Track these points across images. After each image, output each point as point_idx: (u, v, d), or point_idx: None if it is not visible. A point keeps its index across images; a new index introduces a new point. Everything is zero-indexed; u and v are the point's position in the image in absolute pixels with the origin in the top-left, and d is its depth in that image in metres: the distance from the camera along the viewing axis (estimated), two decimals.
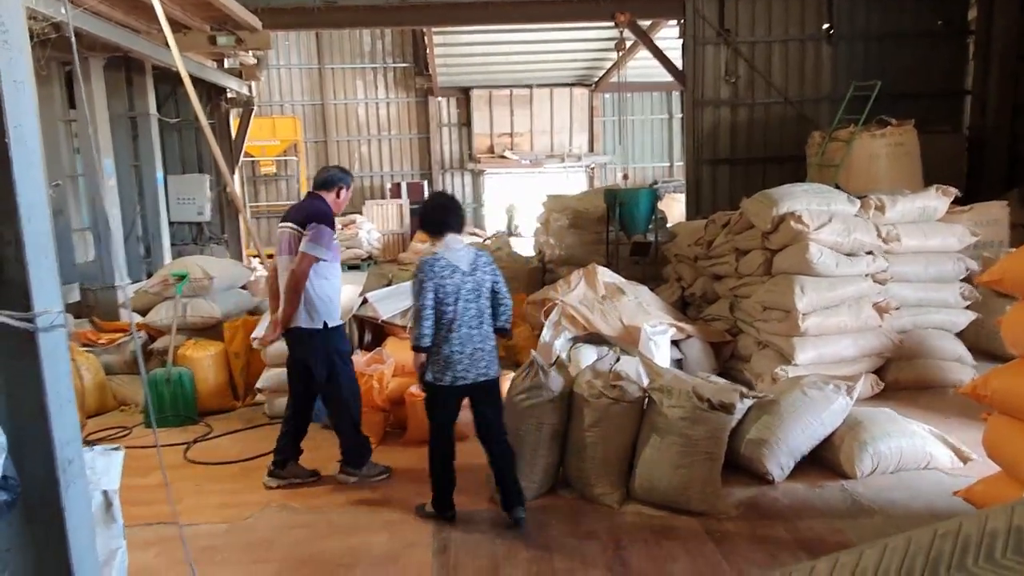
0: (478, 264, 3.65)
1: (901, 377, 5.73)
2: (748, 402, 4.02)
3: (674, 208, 14.57)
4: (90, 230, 9.06)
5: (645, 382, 4.10)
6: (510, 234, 19.24)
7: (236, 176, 11.26)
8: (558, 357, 4.22)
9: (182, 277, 5.88)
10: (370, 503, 4.09)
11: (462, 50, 15.86)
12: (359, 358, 5.00)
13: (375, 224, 17.44)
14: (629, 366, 4.28)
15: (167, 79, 10.79)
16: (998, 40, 10.54)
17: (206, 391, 5.65)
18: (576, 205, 9.28)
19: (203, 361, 5.64)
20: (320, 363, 4.25)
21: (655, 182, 18.72)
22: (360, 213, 17.57)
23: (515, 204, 18.97)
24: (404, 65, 18.95)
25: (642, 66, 17.10)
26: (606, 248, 8.80)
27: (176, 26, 8.65)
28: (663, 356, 5.63)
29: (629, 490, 3.91)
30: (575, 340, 6.01)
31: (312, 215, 4.18)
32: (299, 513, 3.99)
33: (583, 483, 3.94)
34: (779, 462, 4.01)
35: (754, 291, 5.96)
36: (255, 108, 11.58)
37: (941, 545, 2.33)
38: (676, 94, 19.26)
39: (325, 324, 4.22)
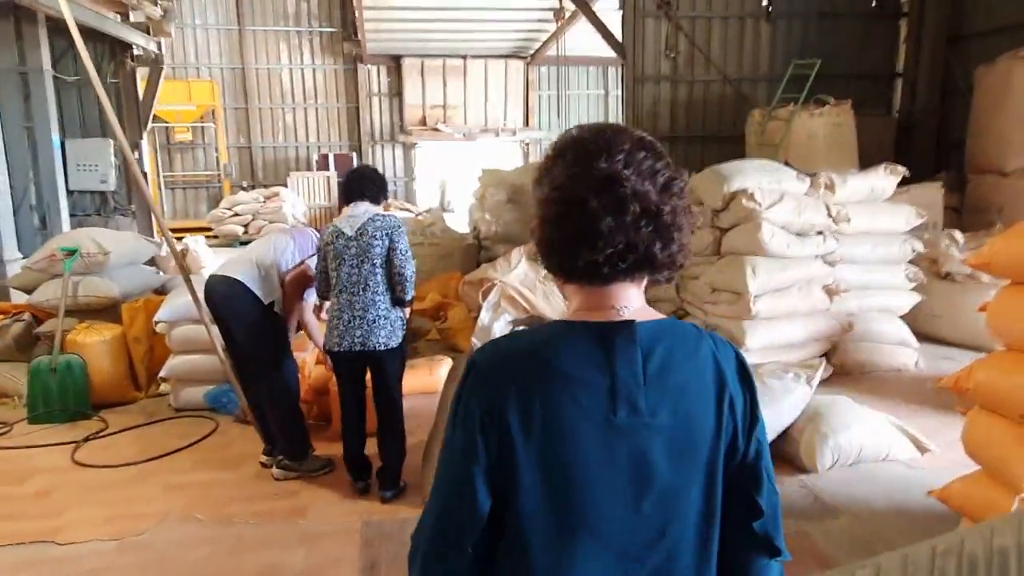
0: (366, 229, 3.48)
1: (847, 361, 5.60)
2: None
3: None
4: None
5: None
6: (443, 209, 18.71)
7: (144, 143, 10.33)
8: None
9: (72, 252, 5.18)
10: (287, 512, 3.60)
11: (393, 15, 15.09)
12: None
13: (301, 197, 16.58)
14: None
15: (65, 32, 9.75)
16: (929, 22, 10.62)
17: (101, 381, 5.00)
18: (513, 180, 8.86)
19: (97, 347, 4.98)
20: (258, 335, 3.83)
21: None
22: (284, 186, 16.67)
23: (447, 179, 18.41)
24: (331, 30, 18.01)
25: (580, 39, 16.77)
26: None
27: None
28: None
29: None
30: (516, 323, 5.62)
31: None
32: (204, 526, 3.46)
33: None
34: None
35: (702, 272, 5.70)
36: (165, 68, 10.61)
37: (944, 565, 2.02)
38: (613, 70, 19.02)
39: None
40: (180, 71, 17.28)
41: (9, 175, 8.95)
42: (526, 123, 19.17)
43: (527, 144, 19.30)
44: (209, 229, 14.63)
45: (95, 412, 4.91)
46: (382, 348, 3.48)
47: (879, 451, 3.90)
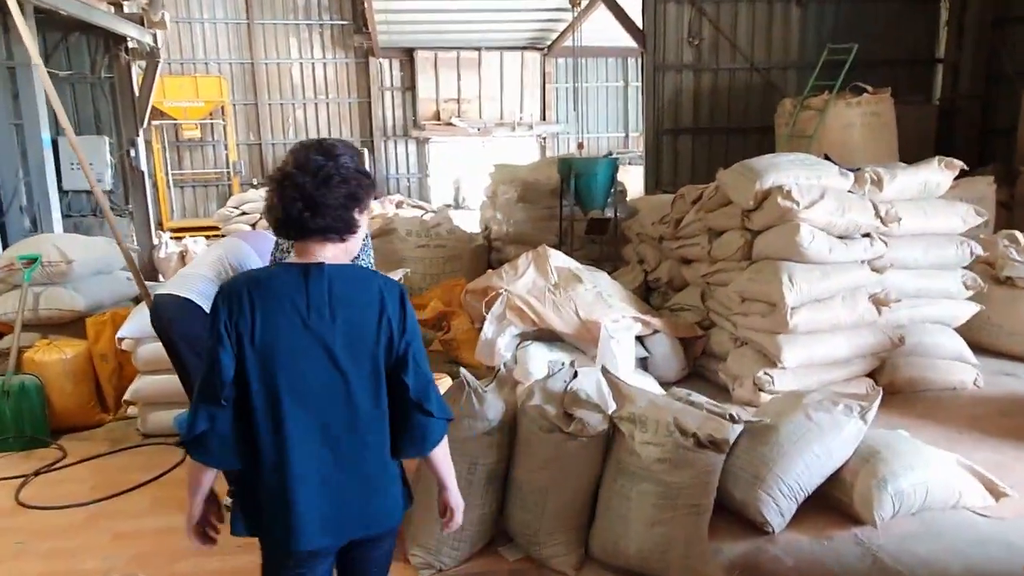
0: None
1: (896, 378, 4.96)
2: (738, 428, 3.14)
3: (629, 180, 13.69)
4: None
5: (611, 406, 3.18)
6: (457, 207, 18.18)
7: (141, 140, 9.87)
8: (497, 372, 3.26)
9: (32, 260, 4.70)
10: (247, 572, 3.07)
11: (405, 5, 14.55)
12: None
13: None
14: (589, 381, 3.34)
15: (55, 25, 9.35)
16: (973, 4, 9.88)
17: (63, 404, 4.52)
18: (526, 176, 8.28)
19: (57, 366, 4.49)
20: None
21: (609, 153, 17.80)
22: None
23: (462, 175, 17.87)
24: (342, 22, 17.49)
25: (598, 29, 16.11)
26: (559, 225, 7.85)
27: None
28: (626, 357, 4.73)
29: (588, 550, 3.00)
30: (523, 337, 5.07)
31: None
32: None
33: (529, 540, 3.01)
34: (778, 507, 3.14)
35: (731, 279, 5.09)
36: (172, 63, 10.15)
37: None
38: (633, 60, 18.33)
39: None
40: (188, 66, 16.88)
41: None
42: (543, 117, 18.55)
43: (544, 138, 18.68)
44: (217, 228, 14.24)
45: (53, 439, 4.42)
46: None
47: (947, 497, 3.28)
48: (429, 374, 1.82)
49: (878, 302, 4.76)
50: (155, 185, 16.50)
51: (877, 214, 4.83)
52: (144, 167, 10.04)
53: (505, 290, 5.04)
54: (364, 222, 1.85)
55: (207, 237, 12.05)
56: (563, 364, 3.30)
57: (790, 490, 3.17)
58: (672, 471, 2.82)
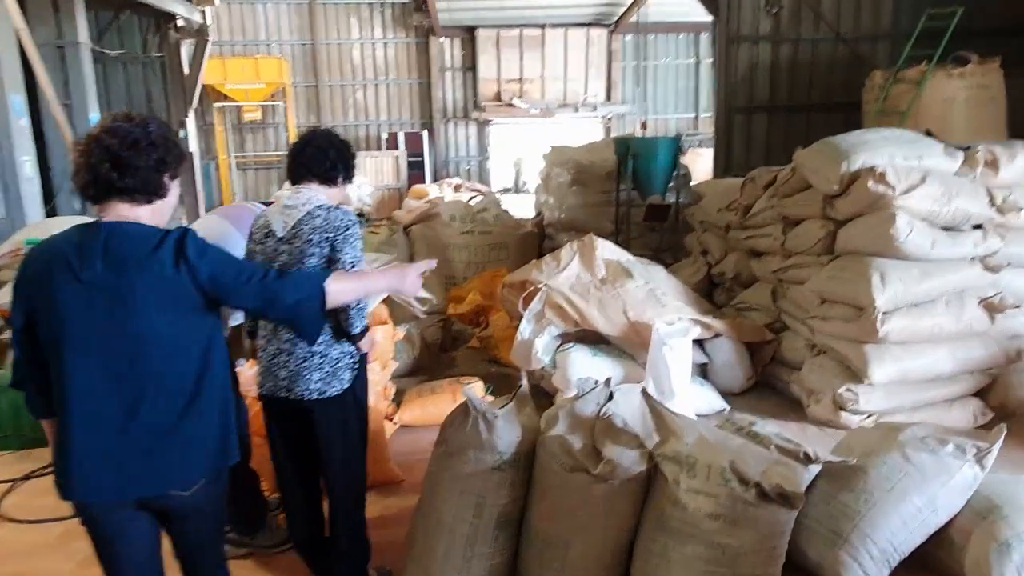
0: (302, 228, 2.44)
1: (1010, 399, 4.16)
2: (814, 468, 2.49)
3: (698, 164, 12.83)
4: None
5: (653, 439, 2.57)
6: (517, 190, 17.61)
7: (191, 120, 9.71)
8: (516, 390, 2.71)
9: None
10: None
11: None
12: (245, 370, 3.49)
13: (368, 178, 15.85)
14: (630, 403, 2.73)
15: (107, 3, 9.24)
16: None
17: None
18: (580, 158, 7.63)
19: None
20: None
21: (679, 135, 16.89)
22: None
23: (523, 158, 17.28)
24: (403, 1, 17.08)
25: (668, 2, 15.21)
26: (615, 211, 7.19)
27: None
28: (682, 367, 4.09)
29: None
30: (564, 338, 4.49)
31: None
32: None
33: None
34: (865, 574, 2.48)
35: (809, 276, 4.38)
36: (210, 41, 9.93)
37: None
38: (705, 36, 17.29)
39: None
40: (251, 48, 16.83)
41: (49, 156, 8.49)
42: (608, 97, 17.73)
43: (609, 119, 17.87)
44: None
45: None
46: (313, 397, 2.43)
47: None
48: (261, 276, 1.87)
49: (991, 307, 3.97)
50: (218, 168, 16.60)
51: (992, 202, 4.03)
52: (194, 149, 9.89)
53: (545, 285, 4.46)
54: (174, 189, 1.88)
55: None
56: (596, 382, 2.71)
57: (881, 552, 2.50)
58: (728, 531, 2.20)
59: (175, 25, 9.37)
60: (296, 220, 2.44)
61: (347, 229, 2.43)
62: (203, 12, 9.43)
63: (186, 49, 9.68)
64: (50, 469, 3.78)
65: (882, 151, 4.09)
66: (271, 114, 17.19)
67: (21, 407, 4.00)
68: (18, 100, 7.30)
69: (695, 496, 2.25)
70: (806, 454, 2.49)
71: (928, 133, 4.45)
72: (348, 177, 2.64)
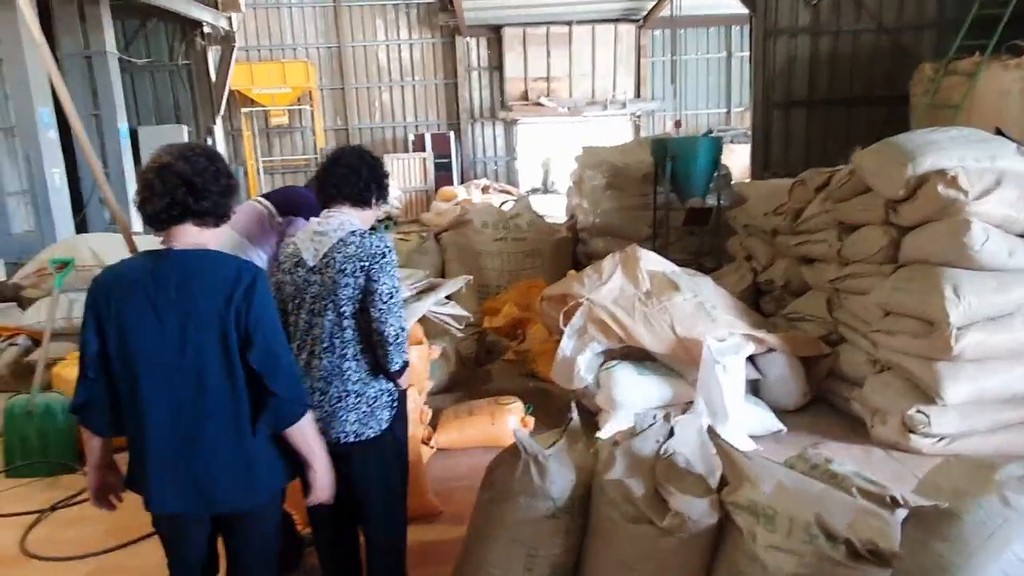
0: (334, 257, 2.23)
1: None
2: (901, 513, 2.23)
3: (732, 160, 12.48)
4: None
5: (716, 475, 2.34)
6: (546, 191, 17.37)
7: (219, 127, 9.63)
8: (567, 425, 2.49)
9: (65, 264, 4.29)
10: None
11: None
12: None
13: (395, 180, 15.71)
14: (689, 435, 2.49)
15: (133, 12, 9.20)
16: None
17: None
18: (615, 160, 7.38)
19: None
20: None
21: (710, 131, 16.51)
22: None
23: (551, 157, 17.04)
24: (428, 1, 16.92)
25: None
26: (653, 215, 6.93)
27: None
28: (735, 387, 3.84)
29: None
30: (607, 355, 4.26)
31: None
32: None
33: None
34: None
35: (870, 286, 4.09)
36: (238, 48, 9.85)
37: None
38: (738, 28, 16.89)
39: None
40: (277, 52, 16.79)
41: (76, 167, 8.45)
42: (637, 94, 17.41)
43: (638, 116, 17.55)
44: None
45: (79, 465, 3.99)
46: (350, 440, 2.24)
47: None
48: (280, 355, 1.89)
49: None
50: (246, 173, 16.61)
51: None
52: (222, 154, 9.82)
53: (587, 299, 4.23)
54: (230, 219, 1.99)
55: None
56: (654, 416, 2.48)
57: None
58: None
59: (201, 32, 9.31)
60: (328, 248, 2.24)
61: (383, 257, 2.23)
62: (229, 18, 9.36)
63: (212, 55, 9.60)
64: (76, 499, 3.69)
65: (951, 152, 3.80)
66: (298, 118, 17.15)
67: (48, 433, 3.92)
68: (46, 112, 7.26)
69: (775, 553, 2.01)
70: (893, 498, 2.22)
71: (998, 131, 4.14)
72: (381, 197, 2.44)
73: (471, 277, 4.30)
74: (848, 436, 4.03)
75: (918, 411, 3.67)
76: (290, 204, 3.14)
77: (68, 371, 4.11)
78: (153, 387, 1.82)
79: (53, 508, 3.61)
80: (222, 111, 9.77)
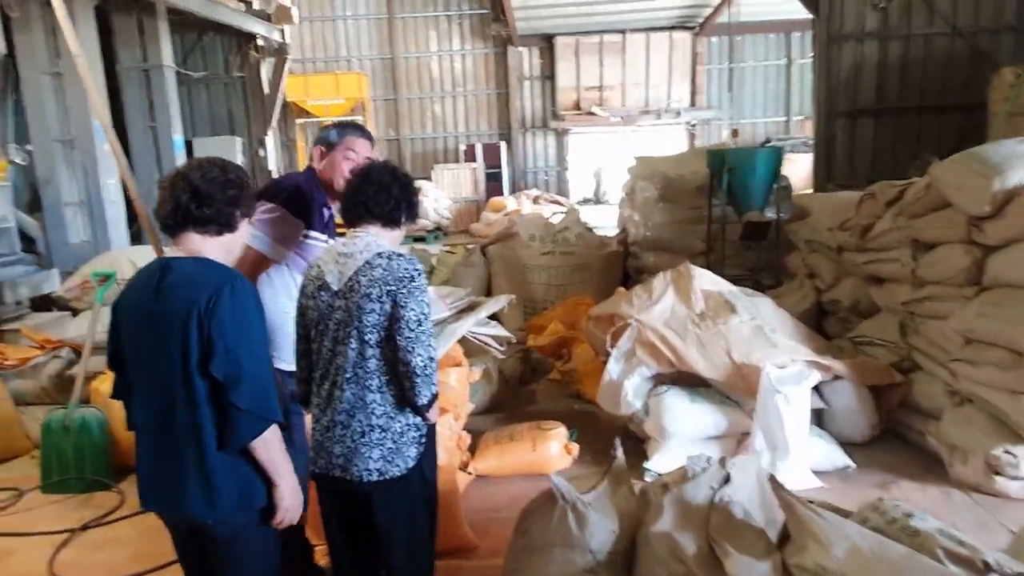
0: (359, 282, 2.08)
1: None
2: None
3: (791, 170, 12.00)
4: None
5: (777, 524, 2.08)
6: (597, 201, 17.11)
7: (270, 138, 9.71)
8: (609, 467, 2.26)
9: (107, 278, 4.26)
10: None
11: None
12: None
13: (446, 191, 15.68)
14: (745, 484, 2.23)
15: (190, 26, 9.36)
16: None
17: (130, 439, 4.02)
18: (668, 171, 7.10)
19: None
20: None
21: (768, 140, 15.99)
22: (428, 179, 15.88)
23: (603, 167, 16.77)
24: (481, 12, 16.91)
25: (757, 1, 14.41)
26: (707, 229, 6.62)
27: None
28: (799, 420, 3.54)
29: None
30: (657, 380, 4.00)
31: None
32: None
33: None
34: None
35: (950, 310, 3.73)
36: (290, 59, 9.93)
37: None
38: (798, 35, 16.36)
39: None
40: (332, 64, 17.00)
41: (135, 178, 8.59)
42: (692, 102, 17.01)
43: (693, 125, 17.13)
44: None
45: (116, 481, 3.93)
46: (373, 478, 2.07)
47: None
48: (243, 366, 1.81)
49: None
50: None
51: None
52: (274, 165, 9.89)
53: (635, 320, 3.99)
54: (243, 227, 1.98)
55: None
56: (708, 460, 2.24)
57: None
58: None
59: (255, 45, 9.40)
60: (353, 271, 2.09)
61: (412, 281, 2.06)
62: (282, 31, 9.44)
63: (266, 68, 9.70)
64: (107, 519, 3.63)
65: None
66: None
67: (84, 448, 3.88)
68: (100, 125, 7.39)
69: None
70: (986, 563, 1.93)
71: None
72: (411, 216, 2.27)
73: (513, 297, 4.10)
74: (923, 475, 3.68)
75: (1005, 451, 3.30)
76: (265, 192, 2.76)
77: (106, 386, 4.06)
78: (138, 389, 1.90)
79: (84, 528, 3.54)
80: (274, 122, 9.83)
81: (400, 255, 2.13)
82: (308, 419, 2.85)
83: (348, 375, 2.07)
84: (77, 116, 7.41)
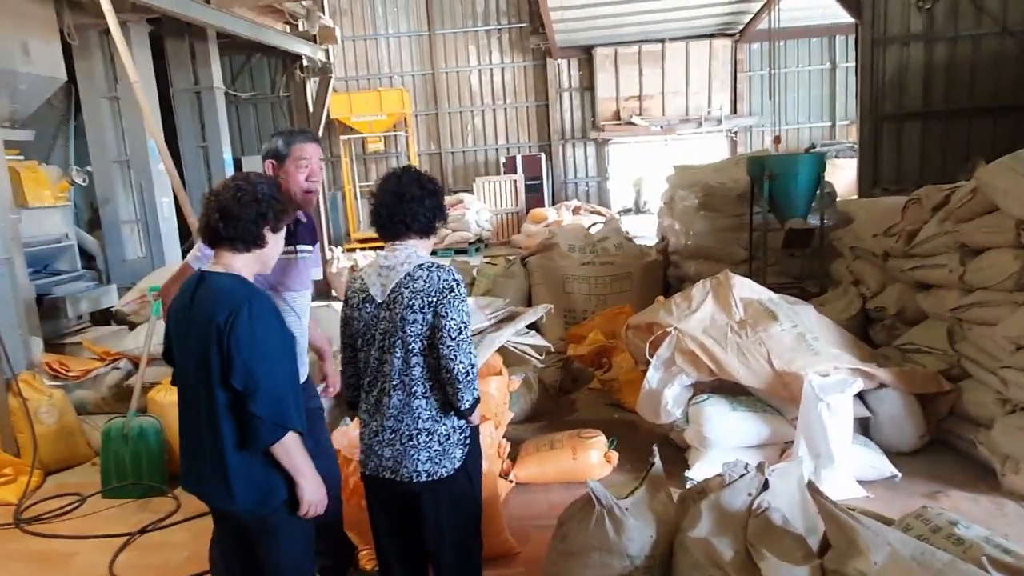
0: (401, 292, 2.17)
1: None
2: None
3: (837, 176, 11.80)
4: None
5: (818, 533, 2.07)
6: (638, 211, 17.04)
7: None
8: (648, 471, 2.29)
9: None
10: None
11: (581, 0, 13.76)
12: (350, 430, 3.26)
13: (487, 203, 15.83)
14: (785, 491, 2.24)
15: (239, 48, 9.69)
16: None
17: None
18: (709, 179, 7.07)
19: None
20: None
21: (812, 146, 15.73)
22: (469, 191, 16.04)
23: (643, 177, 16.72)
24: (520, 25, 17.09)
25: (799, 7, 14.23)
26: (749, 237, 6.57)
27: None
28: (842, 429, 3.50)
29: None
30: (697, 388, 4.00)
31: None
32: None
33: None
34: None
35: (1000, 316, 3.66)
36: (334, 77, 10.17)
37: None
38: (842, 38, 16.11)
39: None
40: (375, 81, 17.35)
41: (187, 195, 8.91)
42: (734, 110, 16.85)
43: (735, 133, 16.97)
44: None
45: (169, 488, 4.09)
46: (422, 479, 2.16)
47: None
48: (260, 378, 1.92)
49: None
50: (344, 197, 17.18)
51: None
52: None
53: (675, 328, 3.99)
54: (274, 240, 2.10)
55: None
56: (746, 466, 2.25)
57: None
58: None
59: (300, 65, 9.67)
60: (395, 283, 2.18)
61: (451, 291, 2.13)
62: (326, 51, 9.68)
63: (311, 87, 9.97)
64: (164, 523, 3.78)
65: None
66: (393, 143, 17.61)
67: (142, 455, 4.04)
68: (155, 145, 7.69)
69: None
70: None
71: None
72: (443, 220, 2.35)
73: (551, 307, 4.16)
74: (974, 484, 3.59)
75: None
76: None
77: (162, 395, 4.23)
78: (179, 390, 2.11)
79: (142, 531, 3.70)
80: (319, 135, 10.10)
81: (440, 266, 2.21)
82: (354, 424, 2.95)
83: (395, 382, 2.16)
84: (133, 137, 7.73)
